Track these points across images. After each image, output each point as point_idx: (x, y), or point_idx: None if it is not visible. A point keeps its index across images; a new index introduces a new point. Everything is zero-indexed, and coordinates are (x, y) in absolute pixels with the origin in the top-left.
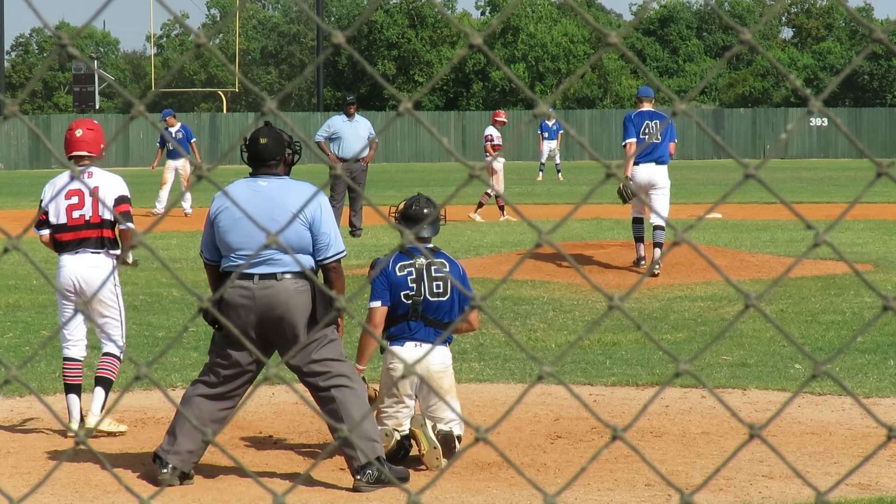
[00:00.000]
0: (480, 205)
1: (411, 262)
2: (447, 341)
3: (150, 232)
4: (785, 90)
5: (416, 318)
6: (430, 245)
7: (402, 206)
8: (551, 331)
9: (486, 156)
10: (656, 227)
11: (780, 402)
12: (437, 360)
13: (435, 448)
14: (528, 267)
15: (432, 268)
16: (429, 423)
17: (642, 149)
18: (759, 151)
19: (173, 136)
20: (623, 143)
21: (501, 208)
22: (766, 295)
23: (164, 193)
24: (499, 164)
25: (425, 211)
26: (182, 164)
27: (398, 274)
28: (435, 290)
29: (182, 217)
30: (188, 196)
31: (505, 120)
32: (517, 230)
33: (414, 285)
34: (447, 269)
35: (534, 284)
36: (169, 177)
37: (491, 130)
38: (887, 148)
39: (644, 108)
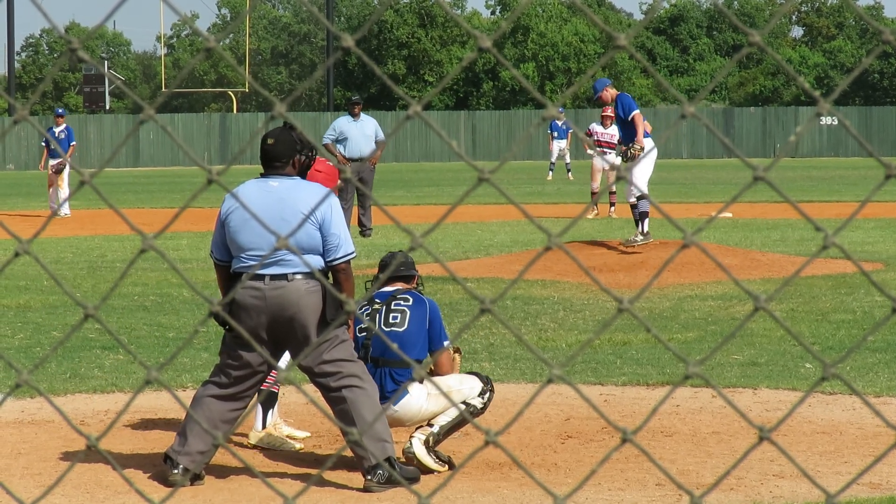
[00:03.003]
0: (611, 203)
1: (369, 303)
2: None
3: (162, 233)
4: (795, 89)
5: (364, 360)
6: (406, 286)
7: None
8: (562, 330)
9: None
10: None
11: (791, 401)
12: (409, 414)
13: (437, 472)
14: (538, 266)
15: (392, 302)
16: (425, 451)
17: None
18: (769, 150)
19: (56, 136)
20: (634, 114)
21: (611, 204)
22: (776, 295)
23: (54, 194)
24: (599, 161)
25: (401, 267)
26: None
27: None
28: (390, 321)
29: (192, 218)
30: (63, 197)
31: (611, 115)
32: (527, 230)
33: (368, 318)
34: (410, 303)
35: (544, 284)
36: (54, 178)
37: (593, 126)
38: None
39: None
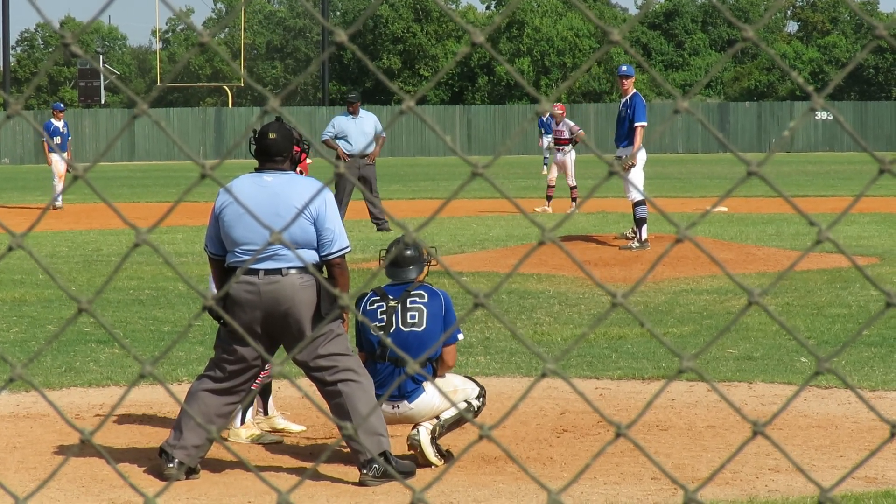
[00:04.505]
0: (549, 197)
1: (382, 299)
2: (419, 380)
3: (157, 227)
4: (790, 84)
5: (382, 359)
6: (413, 280)
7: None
8: (557, 324)
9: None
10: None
11: (786, 395)
12: (424, 412)
13: (435, 466)
14: (533, 260)
15: (408, 299)
16: (429, 440)
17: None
18: (764, 145)
19: (59, 131)
20: (639, 125)
21: (573, 199)
22: (770, 289)
23: (59, 187)
24: (560, 156)
25: (407, 253)
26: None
27: (368, 308)
28: (409, 321)
29: (187, 211)
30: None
31: (560, 111)
32: (522, 224)
33: (384, 317)
34: (426, 300)
35: (539, 278)
36: (62, 168)
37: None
38: (892, 142)
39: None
